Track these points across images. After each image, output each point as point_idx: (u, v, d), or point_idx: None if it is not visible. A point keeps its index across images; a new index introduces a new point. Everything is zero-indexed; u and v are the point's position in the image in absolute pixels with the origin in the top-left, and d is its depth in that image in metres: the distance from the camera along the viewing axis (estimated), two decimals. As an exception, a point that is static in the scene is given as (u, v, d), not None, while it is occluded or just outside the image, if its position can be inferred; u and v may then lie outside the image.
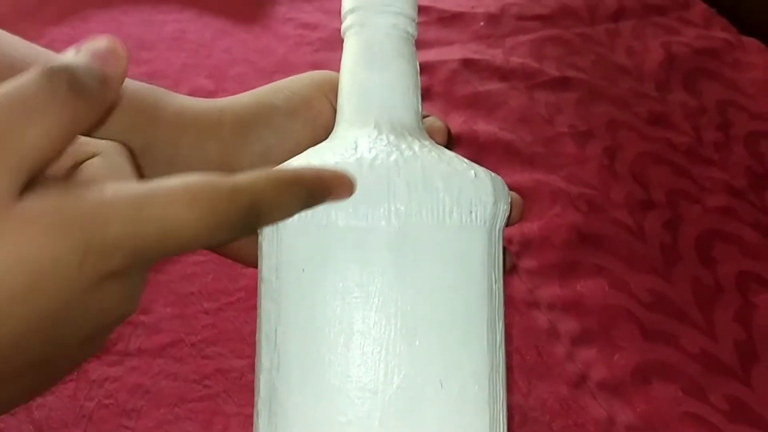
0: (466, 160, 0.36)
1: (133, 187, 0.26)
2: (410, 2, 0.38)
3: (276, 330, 0.34)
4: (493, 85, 0.92)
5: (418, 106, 0.38)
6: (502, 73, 0.94)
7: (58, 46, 0.41)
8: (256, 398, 0.35)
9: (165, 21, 1.00)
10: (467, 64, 0.95)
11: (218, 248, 0.42)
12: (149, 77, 0.87)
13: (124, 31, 0.98)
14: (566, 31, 1.03)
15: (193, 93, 0.42)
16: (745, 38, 1.04)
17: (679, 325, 0.67)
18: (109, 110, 0.28)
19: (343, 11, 0.38)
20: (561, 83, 0.93)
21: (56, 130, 0.25)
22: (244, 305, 0.66)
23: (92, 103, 0.26)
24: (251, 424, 0.58)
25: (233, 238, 0.28)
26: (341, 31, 0.39)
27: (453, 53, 0.97)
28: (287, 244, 0.33)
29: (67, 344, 0.27)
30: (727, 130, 0.89)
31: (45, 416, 0.57)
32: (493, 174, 0.36)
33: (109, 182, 0.27)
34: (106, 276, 0.26)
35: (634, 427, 0.59)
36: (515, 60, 0.96)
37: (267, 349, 0.34)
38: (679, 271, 0.72)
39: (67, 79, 0.25)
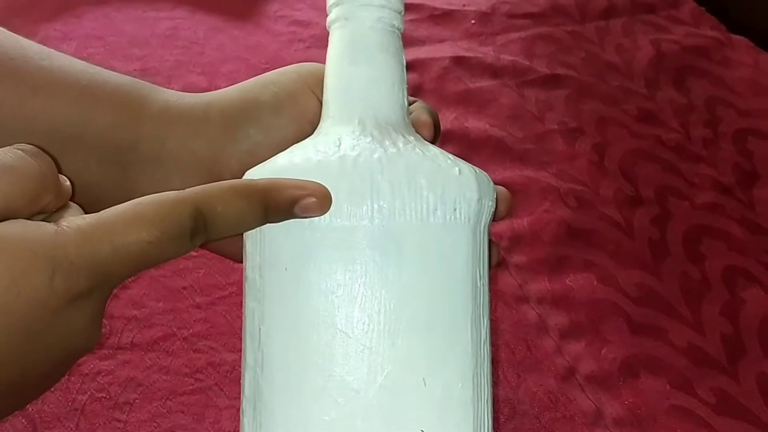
0: (451, 156, 0.35)
1: (85, 216, 0.28)
2: None
3: (260, 329, 0.34)
4: (484, 83, 0.93)
5: (403, 101, 0.37)
6: (493, 71, 0.95)
7: (51, 44, 0.41)
8: (241, 396, 0.35)
9: (158, 18, 1.00)
10: (458, 61, 0.95)
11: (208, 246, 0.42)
12: (142, 74, 0.87)
13: (117, 28, 0.98)
14: (557, 28, 1.03)
15: (185, 90, 0.42)
16: (734, 36, 1.05)
17: (667, 319, 0.68)
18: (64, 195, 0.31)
19: (328, 4, 0.38)
20: (551, 80, 0.94)
21: (24, 183, 0.28)
22: (236, 300, 0.66)
23: (52, 169, 0.29)
24: (243, 416, 0.58)
25: (188, 249, 0.30)
26: (327, 24, 0.39)
27: (444, 50, 0.97)
28: (270, 243, 0.33)
29: (37, 366, 0.28)
30: (716, 127, 0.90)
31: (38, 410, 0.57)
32: (478, 170, 0.35)
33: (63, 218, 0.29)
34: (73, 298, 0.27)
35: (622, 420, 0.60)
36: (506, 57, 0.97)
37: (251, 348, 0.34)
38: (667, 266, 0.72)
39: (32, 149, 0.29)
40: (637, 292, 0.69)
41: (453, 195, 0.33)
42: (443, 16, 1.04)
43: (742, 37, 1.05)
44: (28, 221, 0.27)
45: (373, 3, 0.37)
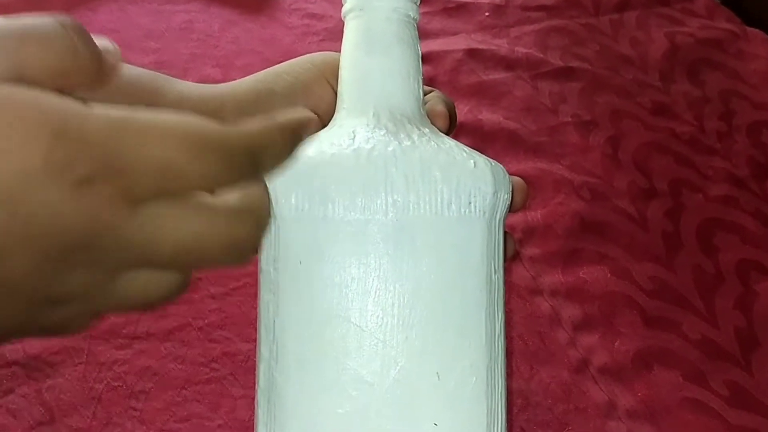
0: (466, 148, 0.35)
1: (120, 106, 0.25)
2: None
3: (274, 321, 0.34)
4: (498, 75, 0.93)
5: (419, 93, 0.37)
6: (507, 63, 0.95)
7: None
8: (256, 388, 0.35)
9: (173, 11, 1.01)
10: (472, 53, 0.95)
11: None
12: (157, 67, 0.88)
13: (133, 21, 0.98)
14: (571, 21, 1.03)
15: (201, 82, 0.43)
16: (749, 29, 1.04)
17: (681, 312, 0.68)
18: (102, 77, 0.27)
19: None
20: (565, 73, 0.94)
21: (52, 55, 0.25)
22: (251, 290, 0.66)
23: (90, 48, 0.27)
24: (257, 406, 0.59)
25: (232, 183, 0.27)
26: (342, 14, 0.38)
27: (458, 43, 0.97)
28: (285, 236, 0.33)
29: (17, 248, 0.23)
30: (730, 119, 0.89)
31: (55, 398, 0.58)
32: (493, 163, 0.35)
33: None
34: (77, 182, 0.23)
35: (635, 412, 0.60)
36: (520, 50, 0.97)
37: (266, 340, 0.34)
38: (681, 258, 0.72)
39: (72, 23, 0.26)
40: (651, 285, 0.69)
41: (468, 188, 0.33)
42: (457, 9, 1.04)
43: (757, 30, 1.04)
44: (50, 92, 0.24)
45: None
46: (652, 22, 1.04)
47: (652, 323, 0.66)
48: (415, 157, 0.33)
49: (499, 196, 0.34)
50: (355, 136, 0.34)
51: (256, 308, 0.64)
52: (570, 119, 0.87)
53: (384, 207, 0.32)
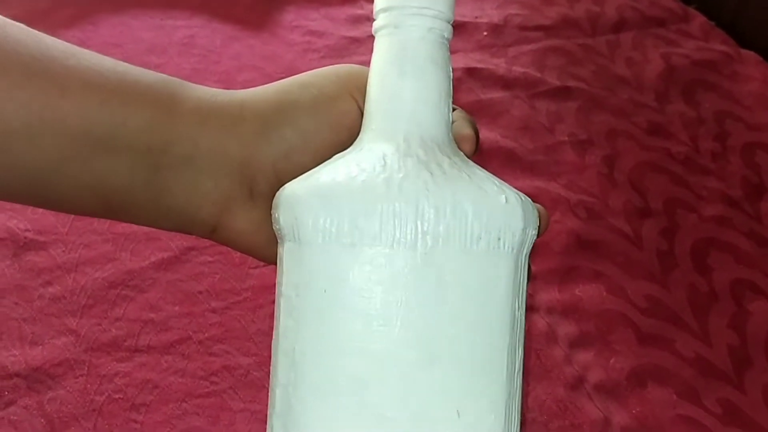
0: (497, 180, 0.34)
1: None
2: (448, 4, 0.35)
3: (294, 348, 0.33)
4: (496, 94, 0.94)
5: (448, 117, 0.36)
6: (505, 82, 0.96)
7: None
8: (270, 411, 0.35)
9: (175, 26, 1.02)
10: (471, 72, 0.96)
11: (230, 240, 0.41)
12: (159, 81, 0.88)
13: (135, 36, 0.99)
14: (568, 41, 1.04)
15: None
16: (743, 51, 1.06)
17: (675, 330, 0.68)
18: None
19: (375, 9, 0.36)
20: (562, 93, 0.95)
21: None
22: (251, 304, 0.67)
23: None
24: (257, 420, 0.59)
25: None
26: (373, 29, 0.37)
27: (457, 61, 0.98)
28: (309, 262, 0.33)
29: None
30: (724, 140, 0.90)
31: (56, 410, 0.58)
32: (523, 197, 0.34)
33: None
34: None
35: (630, 429, 0.61)
36: (517, 69, 0.98)
37: (284, 366, 0.34)
38: (675, 277, 0.73)
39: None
40: (646, 303, 0.70)
41: (498, 224, 0.32)
42: (456, 28, 1.05)
43: (752, 52, 1.05)
44: None
45: (425, 13, 0.35)
46: (648, 43, 1.06)
47: (647, 341, 0.67)
48: (446, 190, 0.32)
49: (527, 232, 0.34)
50: (386, 163, 0.33)
51: (255, 323, 0.66)
52: (566, 138, 0.88)
53: (413, 239, 0.31)
